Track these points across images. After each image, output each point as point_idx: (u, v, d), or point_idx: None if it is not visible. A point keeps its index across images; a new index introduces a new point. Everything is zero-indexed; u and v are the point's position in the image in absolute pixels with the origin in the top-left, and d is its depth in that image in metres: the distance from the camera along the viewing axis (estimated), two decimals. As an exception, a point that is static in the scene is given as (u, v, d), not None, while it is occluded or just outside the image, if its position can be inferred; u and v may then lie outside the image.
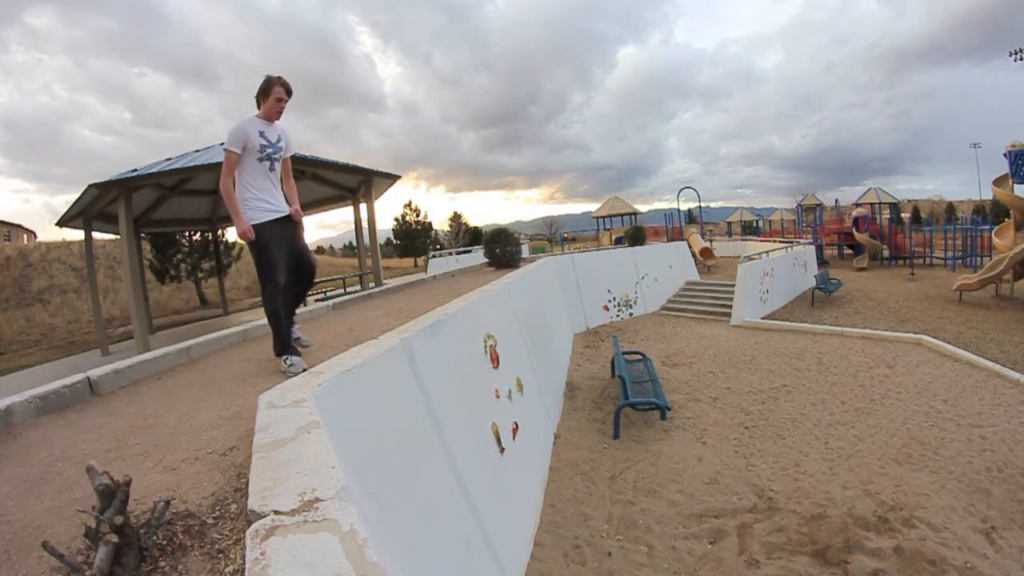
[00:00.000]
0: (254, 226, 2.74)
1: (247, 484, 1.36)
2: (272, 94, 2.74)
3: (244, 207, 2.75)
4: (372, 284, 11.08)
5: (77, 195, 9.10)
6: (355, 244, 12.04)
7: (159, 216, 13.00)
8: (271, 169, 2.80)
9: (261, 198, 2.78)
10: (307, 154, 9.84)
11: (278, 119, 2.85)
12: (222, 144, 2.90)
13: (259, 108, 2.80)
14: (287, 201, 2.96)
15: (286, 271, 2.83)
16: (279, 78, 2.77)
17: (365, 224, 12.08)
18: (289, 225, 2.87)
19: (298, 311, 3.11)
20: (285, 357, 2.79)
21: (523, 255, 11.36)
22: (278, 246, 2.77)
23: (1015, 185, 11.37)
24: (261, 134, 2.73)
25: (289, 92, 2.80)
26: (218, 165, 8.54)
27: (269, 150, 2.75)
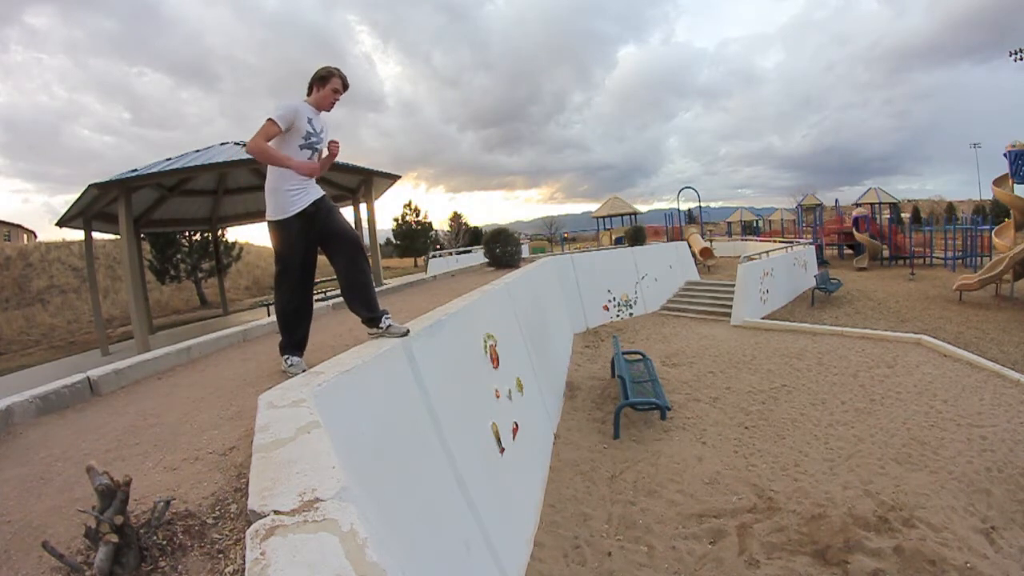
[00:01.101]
0: (280, 220, 2.61)
1: (247, 484, 1.36)
2: (330, 83, 2.64)
3: (277, 197, 2.59)
4: (372, 284, 11.06)
5: (76, 195, 9.10)
6: (355, 244, 12.01)
7: (159, 216, 13.00)
8: (310, 159, 2.67)
9: (294, 189, 2.60)
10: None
11: (329, 111, 2.73)
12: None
13: (310, 94, 2.68)
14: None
15: (302, 269, 2.74)
16: (338, 70, 2.68)
17: (365, 224, 12.07)
18: (314, 218, 2.66)
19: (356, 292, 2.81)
20: (286, 357, 2.78)
21: (523, 255, 11.36)
22: (298, 242, 2.66)
23: (1015, 185, 11.37)
24: (310, 121, 2.60)
25: (346, 87, 2.71)
26: (218, 165, 8.54)
27: (313, 139, 2.63)
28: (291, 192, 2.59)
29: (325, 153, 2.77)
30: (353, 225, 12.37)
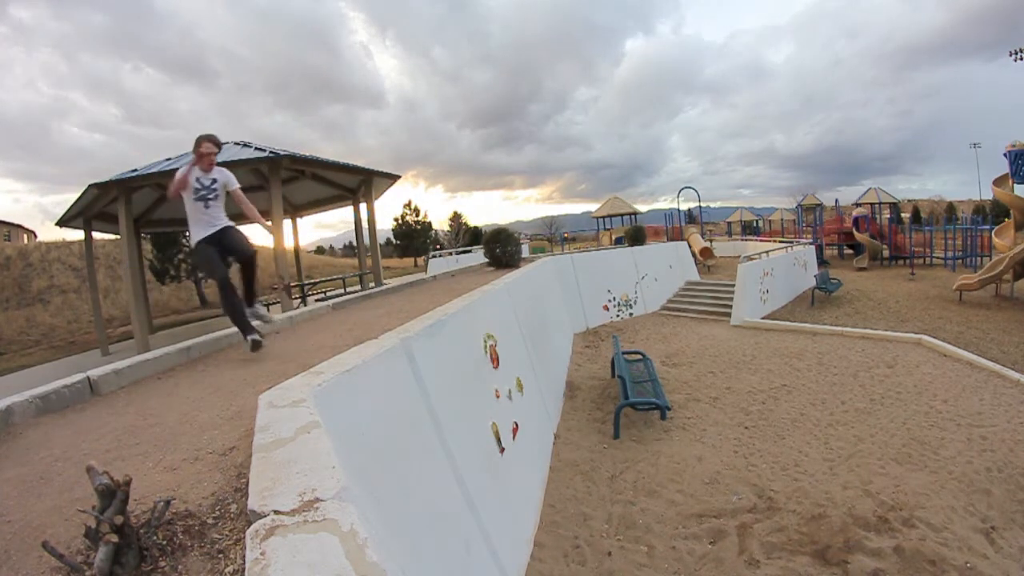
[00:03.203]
0: (194, 246, 3.46)
1: (247, 484, 1.36)
2: (202, 151, 3.30)
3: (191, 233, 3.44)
4: (372, 284, 11.08)
5: (68, 194, 9.15)
6: (355, 244, 12.05)
7: (159, 216, 13.01)
8: (206, 208, 3.36)
9: (196, 227, 3.38)
10: (307, 154, 9.85)
11: (209, 169, 3.37)
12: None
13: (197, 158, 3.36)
14: (249, 215, 3.57)
15: (223, 267, 3.39)
16: (204, 137, 3.34)
17: (365, 224, 12.08)
18: (217, 235, 3.40)
19: (258, 300, 3.79)
20: (247, 337, 3.34)
21: (523, 255, 11.37)
22: (209, 255, 3.36)
23: (1015, 185, 11.37)
24: (197, 178, 3.31)
25: (218, 145, 3.42)
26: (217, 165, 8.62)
27: (203, 192, 3.33)
28: (190, 228, 3.45)
29: (220, 197, 3.44)
30: (354, 225, 12.43)
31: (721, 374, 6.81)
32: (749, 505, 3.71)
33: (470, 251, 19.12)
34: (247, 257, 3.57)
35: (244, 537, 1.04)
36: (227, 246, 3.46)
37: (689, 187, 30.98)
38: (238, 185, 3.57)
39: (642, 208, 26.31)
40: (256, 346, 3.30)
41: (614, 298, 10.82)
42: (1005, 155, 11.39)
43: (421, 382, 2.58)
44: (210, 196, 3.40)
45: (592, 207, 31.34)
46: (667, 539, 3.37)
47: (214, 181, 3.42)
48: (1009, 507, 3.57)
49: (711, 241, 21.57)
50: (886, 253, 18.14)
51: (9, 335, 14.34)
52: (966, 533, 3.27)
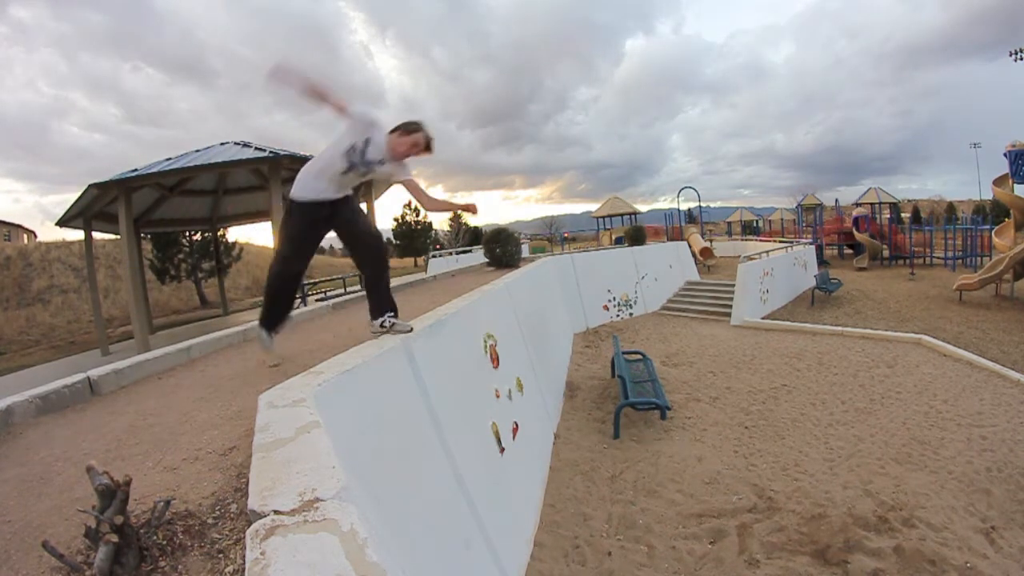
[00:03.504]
0: (293, 200, 2.59)
1: (247, 484, 1.36)
2: (411, 137, 2.55)
3: (299, 177, 2.60)
4: (372, 284, 11.06)
5: (68, 194, 9.18)
6: (355, 244, 12.04)
7: (159, 216, 13.01)
8: (343, 173, 2.56)
9: (316, 177, 2.57)
10: (307, 154, 9.85)
11: (398, 159, 2.61)
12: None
13: (394, 135, 2.58)
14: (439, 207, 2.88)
15: (306, 258, 2.81)
16: (428, 131, 2.58)
17: (365, 224, 12.06)
18: (330, 205, 2.63)
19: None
20: (264, 332, 2.89)
21: (523, 255, 11.37)
22: (307, 231, 2.68)
23: (1015, 185, 11.38)
24: (368, 141, 2.50)
25: (428, 149, 2.61)
26: (218, 165, 8.52)
27: (355, 160, 2.53)
28: (302, 175, 2.62)
29: (366, 175, 2.66)
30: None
31: (721, 374, 6.81)
32: (749, 505, 3.71)
33: (470, 251, 19.10)
34: (375, 240, 2.76)
35: (244, 537, 1.04)
36: (349, 227, 2.69)
37: (689, 187, 30.97)
38: (410, 175, 2.71)
39: (642, 208, 26.31)
40: (266, 346, 2.84)
41: (614, 298, 10.81)
42: (1005, 155, 11.40)
43: (421, 382, 2.58)
44: (361, 169, 2.56)
45: (592, 207, 31.36)
46: (667, 539, 3.37)
47: (380, 163, 2.58)
48: (1009, 507, 3.57)
49: (711, 241, 21.57)
50: (886, 253, 18.15)
51: (9, 335, 14.35)
52: (966, 533, 3.27)
